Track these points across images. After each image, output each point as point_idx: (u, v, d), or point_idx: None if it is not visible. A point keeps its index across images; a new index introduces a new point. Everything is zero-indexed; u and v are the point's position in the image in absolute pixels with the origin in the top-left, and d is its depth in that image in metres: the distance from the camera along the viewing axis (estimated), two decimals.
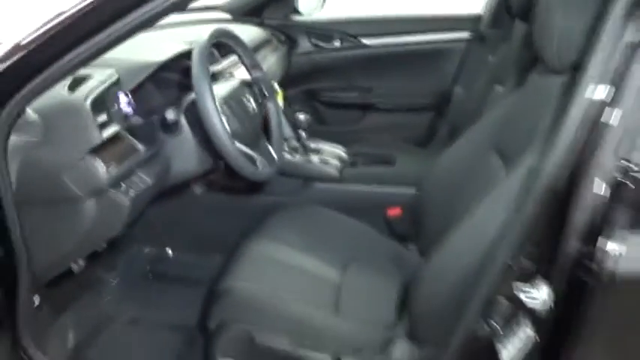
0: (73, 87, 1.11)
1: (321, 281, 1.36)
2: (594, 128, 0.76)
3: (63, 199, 1.08)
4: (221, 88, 1.34)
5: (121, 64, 1.24)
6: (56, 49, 0.96)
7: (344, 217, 1.61)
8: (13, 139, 1.03)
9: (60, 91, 1.09)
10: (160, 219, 1.93)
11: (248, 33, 2.15)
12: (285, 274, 1.35)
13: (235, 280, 1.28)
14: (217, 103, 1.25)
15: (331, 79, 2.42)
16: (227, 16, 2.30)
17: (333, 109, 2.44)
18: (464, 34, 2.21)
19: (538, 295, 0.85)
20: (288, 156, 1.76)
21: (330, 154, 1.83)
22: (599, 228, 0.77)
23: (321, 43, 2.36)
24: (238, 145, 1.24)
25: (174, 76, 1.32)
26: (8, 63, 0.96)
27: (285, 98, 2.21)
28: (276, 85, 2.04)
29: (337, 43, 2.35)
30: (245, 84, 1.43)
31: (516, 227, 0.86)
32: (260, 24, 2.33)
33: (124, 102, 1.30)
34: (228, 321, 1.24)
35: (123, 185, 1.16)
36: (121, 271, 1.85)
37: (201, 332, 1.53)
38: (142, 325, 1.68)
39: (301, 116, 1.74)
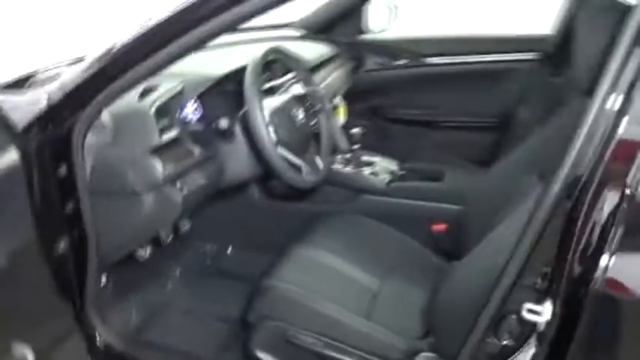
0: (142, 95, 1.28)
1: (359, 288, 1.42)
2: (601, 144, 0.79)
3: (126, 192, 1.24)
4: (273, 101, 1.46)
5: (186, 76, 1.40)
6: (129, 61, 1.11)
7: (388, 229, 1.66)
8: (89, 138, 1.21)
9: (131, 98, 1.25)
10: (223, 219, 2.09)
11: (316, 49, 2.28)
12: (326, 278, 1.43)
13: (278, 279, 1.38)
14: (267, 114, 1.37)
15: (395, 95, 2.47)
16: (299, 33, 2.44)
17: (396, 125, 2.49)
18: (530, 55, 2.19)
19: (544, 314, 0.87)
20: (339, 167, 1.85)
21: (381, 168, 1.89)
22: (601, 247, 0.79)
23: (387, 61, 2.43)
24: (284, 153, 1.35)
25: (233, 88, 1.45)
26: (90, 72, 1.13)
27: (348, 113, 2.31)
28: (338, 100, 2.14)
29: (402, 61, 2.41)
30: (298, 98, 1.54)
31: (526, 245, 0.89)
32: (330, 41, 2.45)
33: (192, 109, 1.46)
34: (267, 317, 1.34)
35: (178, 183, 1.30)
36: (184, 263, 2.03)
37: (243, 325, 1.65)
38: (195, 314, 1.82)
39: (355, 130, 1.82)
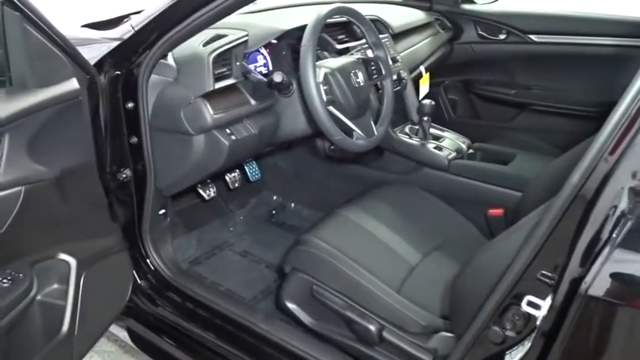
0: (207, 42, 1.36)
1: (398, 260, 1.41)
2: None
3: (180, 131, 1.34)
4: (334, 61, 1.46)
5: (253, 28, 1.45)
6: (194, 5, 1.18)
7: (443, 206, 1.62)
8: (154, 77, 1.31)
9: (196, 43, 1.33)
10: (291, 174, 2.17)
11: (409, 15, 2.22)
12: (366, 244, 1.43)
13: (315, 235, 1.41)
14: (322, 73, 1.38)
15: (491, 72, 2.35)
16: None
17: (487, 102, 2.37)
18: None
19: (542, 308, 0.83)
20: (404, 137, 1.82)
21: (448, 143, 1.83)
22: (599, 247, 0.73)
23: (487, 35, 2.30)
24: (335, 113, 1.35)
25: (296, 44, 1.47)
26: (158, 14, 1.22)
27: (434, 84, 2.23)
28: (422, 69, 2.08)
29: (503, 36, 2.27)
30: (363, 61, 1.52)
31: (540, 233, 0.84)
32: (428, 8, 2.36)
33: (254, 60, 1.52)
34: (297, 269, 1.39)
35: (228, 130, 1.37)
36: (249, 209, 2.14)
37: (278, 274, 1.72)
38: (248, 258, 1.93)
39: (426, 102, 1.77)
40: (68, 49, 1.10)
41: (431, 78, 2.14)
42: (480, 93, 2.38)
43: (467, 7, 2.33)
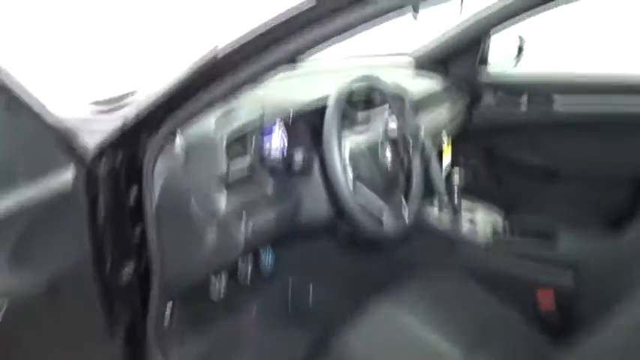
0: (218, 120, 1.22)
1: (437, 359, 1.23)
2: None
3: (189, 222, 1.18)
4: (359, 137, 1.33)
5: (268, 102, 1.32)
6: (202, 83, 1.05)
7: (484, 293, 1.44)
8: (161, 163, 1.17)
9: (206, 123, 1.20)
10: (308, 257, 1.99)
11: (427, 82, 2.12)
12: (402, 342, 1.27)
13: (349, 334, 1.26)
14: (347, 151, 1.24)
15: (514, 138, 2.22)
16: (412, 64, 2.30)
17: (510, 170, 2.23)
18: None
19: None
20: (435, 213, 1.66)
21: (482, 218, 1.67)
22: None
23: (508, 100, 2.19)
24: (363, 197, 1.21)
25: (316, 119, 1.35)
26: (164, 95, 1.09)
27: (455, 152, 2.10)
28: (444, 137, 1.96)
29: (525, 100, 2.15)
30: (390, 133, 1.39)
31: None
32: (445, 74, 2.27)
33: (269, 139, 1.38)
34: None
35: (243, 218, 1.21)
36: (262, 300, 1.94)
37: None
38: (267, 354, 1.72)
39: (456, 172, 1.62)
40: (62, 135, 0.96)
41: (452, 146, 2.01)
42: (503, 159, 2.24)
43: (485, 71, 2.23)
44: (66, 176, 0.96)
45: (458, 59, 2.25)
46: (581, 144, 2.07)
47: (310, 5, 0.85)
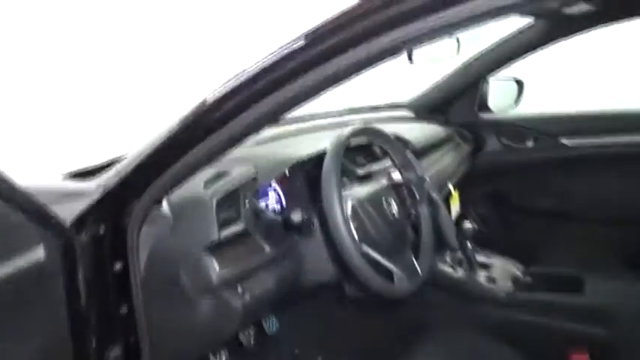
0: (208, 183, 1.13)
1: None
2: None
3: (179, 294, 1.07)
4: (361, 190, 1.24)
5: (261, 160, 1.23)
6: (186, 142, 0.97)
7: (509, 353, 1.30)
8: (146, 229, 1.06)
9: (194, 185, 1.10)
10: (314, 321, 1.85)
11: (428, 130, 2.06)
12: None
13: None
14: (350, 206, 1.14)
15: (522, 181, 2.14)
16: (410, 114, 2.24)
17: (522, 215, 2.12)
18: None
19: None
20: (448, 269, 1.54)
21: (501, 272, 1.54)
22: None
23: (512, 143, 2.12)
24: (370, 254, 1.10)
25: (313, 175, 1.26)
26: (145, 157, 1.01)
27: (463, 201, 2.00)
28: (450, 187, 1.86)
29: (530, 143, 2.08)
30: (393, 186, 1.30)
31: None
32: (445, 122, 2.21)
33: (263, 200, 1.28)
34: None
35: (239, 287, 1.10)
36: None
37: None
38: None
39: (467, 224, 1.51)
40: (33, 209, 0.86)
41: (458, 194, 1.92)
42: (513, 206, 2.14)
43: (486, 116, 2.17)
44: (36, 255, 0.86)
45: (456, 105, 2.20)
46: (592, 183, 1.98)
47: (300, 44, 0.77)
